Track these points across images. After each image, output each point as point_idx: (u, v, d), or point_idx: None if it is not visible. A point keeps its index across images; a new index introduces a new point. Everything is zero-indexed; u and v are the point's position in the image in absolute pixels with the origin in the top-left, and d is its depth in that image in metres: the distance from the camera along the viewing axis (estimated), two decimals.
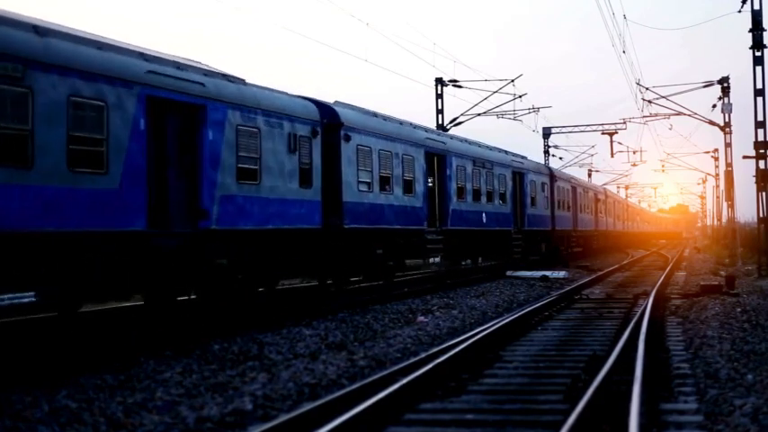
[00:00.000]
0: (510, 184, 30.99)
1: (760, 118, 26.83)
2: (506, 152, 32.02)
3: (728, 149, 41.11)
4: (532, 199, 33.93)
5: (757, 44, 26.68)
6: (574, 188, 43.35)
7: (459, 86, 37.15)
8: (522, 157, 34.05)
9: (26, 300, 14.78)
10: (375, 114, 21.45)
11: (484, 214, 27.88)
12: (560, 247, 39.50)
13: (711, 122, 40.45)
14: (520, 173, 32.49)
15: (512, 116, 41.79)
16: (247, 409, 8.05)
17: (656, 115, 43.30)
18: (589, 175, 66.02)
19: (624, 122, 50.74)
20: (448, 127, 37.28)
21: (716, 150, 63.71)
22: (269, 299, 16.83)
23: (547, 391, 8.78)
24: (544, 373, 9.84)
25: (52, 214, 11.04)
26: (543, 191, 35.97)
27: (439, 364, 9.38)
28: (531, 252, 34.24)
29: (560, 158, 56.58)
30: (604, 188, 60.05)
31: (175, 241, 13.51)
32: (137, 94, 12.66)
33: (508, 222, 30.78)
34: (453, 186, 25.31)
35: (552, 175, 38.35)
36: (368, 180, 19.91)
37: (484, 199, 28.00)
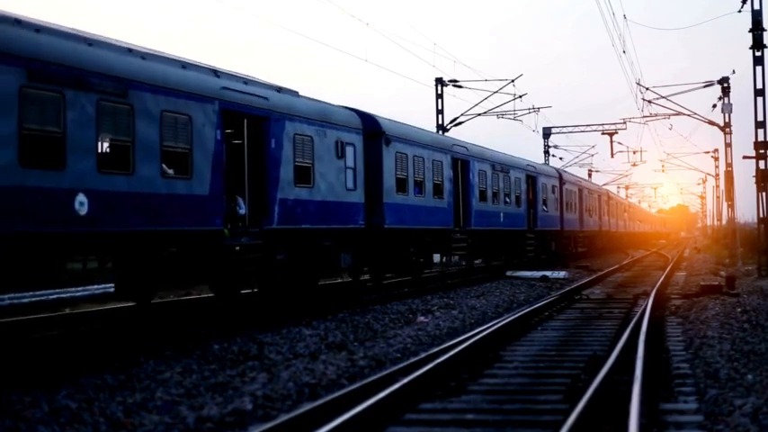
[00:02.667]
0: (524, 186, 32.99)
1: (760, 118, 26.83)
2: (521, 158, 34.32)
3: (728, 149, 41.12)
4: (544, 201, 35.90)
5: (757, 44, 26.68)
6: (580, 190, 44.68)
7: (460, 86, 37.14)
8: (536, 163, 36.67)
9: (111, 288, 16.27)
10: (406, 124, 23.36)
11: (502, 214, 29.74)
12: (568, 246, 41.14)
13: (711, 122, 40.44)
14: (533, 176, 34.51)
15: (512, 116, 41.80)
16: (247, 409, 8.05)
17: (656, 115, 43.32)
18: (589, 175, 65.98)
19: (624, 122, 50.79)
20: (448, 127, 37.27)
21: (716, 150, 63.78)
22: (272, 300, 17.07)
23: (547, 391, 8.78)
24: (544, 374, 9.84)
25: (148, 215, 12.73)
26: (553, 193, 37.84)
27: (439, 364, 9.38)
28: (542, 251, 35.83)
29: (560, 159, 56.65)
30: (607, 190, 60.59)
31: (246, 239, 15.02)
32: (215, 109, 14.25)
33: (522, 222, 32.71)
34: (476, 189, 27.21)
35: (561, 178, 39.91)
36: (404, 183, 21.75)
37: (502, 200, 29.96)
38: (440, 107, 37.53)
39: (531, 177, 34.38)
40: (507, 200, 30.65)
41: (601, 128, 52.43)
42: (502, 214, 29.83)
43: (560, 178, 39.79)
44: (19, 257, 10.73)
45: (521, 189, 32.53)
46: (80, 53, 11.60)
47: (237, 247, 14.73)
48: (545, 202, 36.20)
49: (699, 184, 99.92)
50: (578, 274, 31.34)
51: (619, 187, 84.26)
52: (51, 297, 19.10)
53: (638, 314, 14.54)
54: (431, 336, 13.56)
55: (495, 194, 29.22)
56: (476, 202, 27.20)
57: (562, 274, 29.47)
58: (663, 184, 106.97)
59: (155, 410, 8.13)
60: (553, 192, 37.83)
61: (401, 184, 21.48)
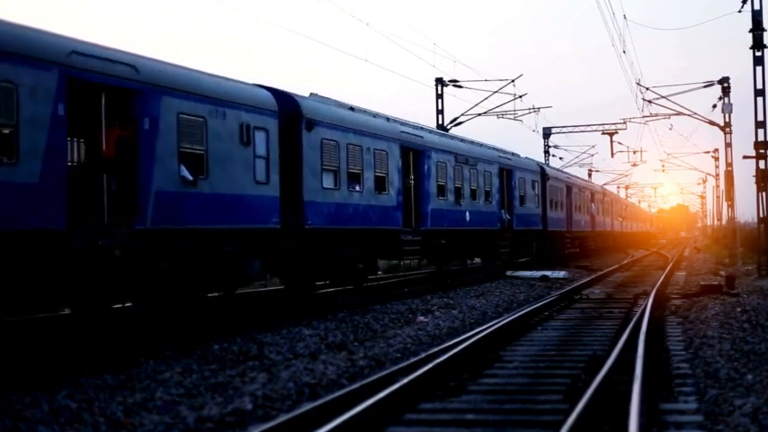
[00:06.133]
0: (496, 181, 29.15)
1: (760, 118, 26.82)
2: (494, 148, 30.39)
3: (728, 149, 41.12)
4: (521, 197, 32.08)
5: (757, 44, 26.68)
6: (569, 187, 41.60)
7: (460, 86, 37.15)
8: (512, 154, 32.46)
9: None
10: (352, 108, 20.06)
11: (467, 213, 26.11)
12: (553, 248, 37.54)
13: (711, 122, 40.44)
14: (507, 170, 30.59)
15: (512, 116, 41.81)
16: (247, 408, 8.05)
17: (656, 115, 43.29)
18: (589, 175, 66.01)
19: (624, 122, 50.79)
20: (448, 127, 37.26)
21: (716, 150, 63.71)
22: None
23: (547, 391, 8.79)
24: (544, 373, 9.84)
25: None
26: (534, 189, 33.99)
27: (439, 363, 9.38)
28: (520, 253, 32.89)
29: (560, 158, 56.65)
30: (602, 187, 58.51)
31: (108, 241, 13.86)
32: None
33: (495, 222, 28.92)
34: (433, 184, 23.63)
35: (544, 173, 36.27)
36: (334, 176, 18.25)
37: (467, 197, 26.22)
38: (440, 107, 37.55)
39: (506, 171, 30.40)
40: (475, 196, 26.93)
41: (601, 128, 52.47)
42: (467, 213, 26.11)
43: (542, 173, 36.09)
44: None
45: (492, 184, 28.63)
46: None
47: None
48: (523, 200, 32.28)
49: (699, 183, 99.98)
50: (578, 273, 31.34)
51: (619, 187, 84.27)
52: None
53: (638, 314, 14.54)
54: (431, 336, 13.57)
55: (458, 190, 25.35)
56: (433, 198, 23.52)
57: (562, 273, 29.48)
58: (663, 184, 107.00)
59: (155, 410, 8.13)
60: (534, 188, 33.89)
61: (330, 177, 17.99)
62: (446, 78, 37.11)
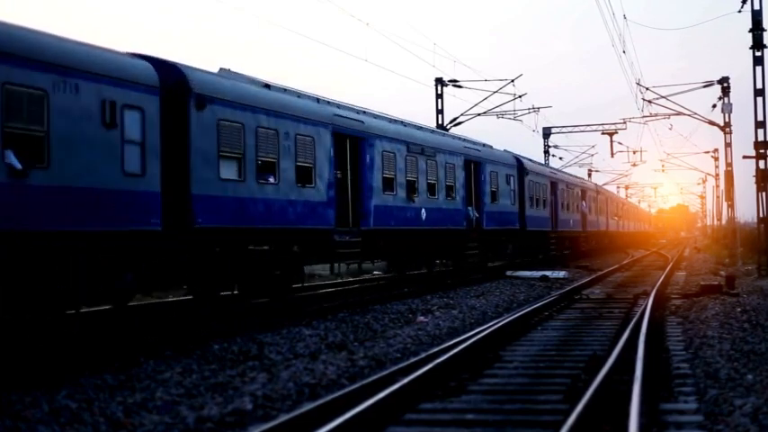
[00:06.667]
0: (462, 175, 25.69)
1: (760, 118, 26.83)
2: (460, 138, 27.48)
3: (728, 149, 41.10)
4: (493, 193, 28.67)
5: (757, 44, 26.69)
6: (554, 183, 38.47)
7: (460, 86, 37.14)
8: (483, 145, 29.07)
9: None
10: (268, 86, 16.92)
11: (423, 211, 22.86)
12: (534, 249, 34.95)
13: (711, 122, 40.44)
14: (475, 162, 27.14)
15: (512, 116, 41.80)
16: (247, 408, 8.05)
17: (656, 115, 43.29)
18: (589, 175, 65.97)
19: (624, 122, 50.79)
20: (448, 127, 37.27)
21: (716, 150, 63.67)
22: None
23: (547, 391, 8.78)
24: (544, 373, 9.84)
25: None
26: (509, 184, 30.63)
27: (439, 363, 9.38)
28: (493, 255, 30.04)
29: (560, 158, 56.63)
30: (596, 185, 55.65)
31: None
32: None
33: (460, 220, 25.50)
34: (377, 177, 20.43)
35: (522, 167, 32.70)
36: (237, 166, 15.12)
37: (423, 193, 22.90)
38: (440, 107, 37.54)
39: (474, 163, 27.04)
40: (433, 191, 23.56)
41: (601, 128, 52.46)
42: (423, 210, 22.84)
43: (520, 167, 32.44)
44: None
45: (456, 178, 25.27)
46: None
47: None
48: (495, 196, 28.86)
49: (699, 183, 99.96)
50: (578, 273, 31.35)
51: (618, 187, 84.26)
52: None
53: (638, 314, 14.54)
54: (431, 336, 13.56)
55: (411, 184, 22.15)
56: (377, 193, 20.35)
57: (562, 273, 29.50)
58: (663, 184, 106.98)
59: (155, 410, 8.13)
60: (509, 183, 30.58)
61: (231, 167, 14.90)
62: (446, 78, 37.13)
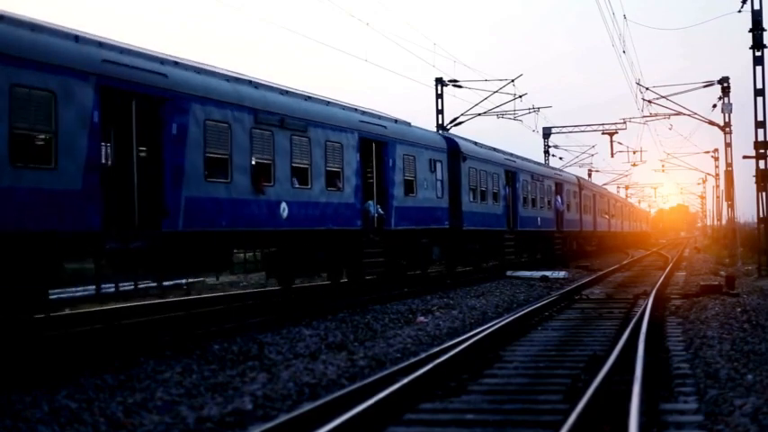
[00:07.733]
0: (355, 158, 19.67)
1: (760, 118, 26.84)
2: (353, 109, 20.64)
3: (728, 149, 41.13)
4: (408, 183, 22.51)
5: (757, 44, 26.70)
6: (511, 173, 32.16)
7: (460, 86, 37.15)
8: (395, 121, 22.88)
9: None
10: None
11: (283, 206, 16.67)
12: (476, 253, 28.84)
13: (711, 122, 40.46)
14: (378, 142, 21.08)
15: (512, 116, 41.81)
16: (247, 408, 8.05)
17: (656, 115, 43.32)
18: (589, 175, 65.97)
19: (624, 122, 50.83)
20: (448, 127, 37.27)
21: (716, 150, 63.73)
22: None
23: (547, 391, 8.78)
24: (544, 373, 9.84)
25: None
26: (434, 173, 24.28)
27: (439, 364, 9.38)
28: (409, 262, 23.67)
29: (560, 158, 56.61)
30: (580, 178, 48.48)
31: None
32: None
33: (351, 219, 19.52)
34: (196, 158, 14.19)
35: (456, 151, 26.20)
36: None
37: (284, 181, 16.73)
38: (440, 107, 37.54)
39: (377, 144, 21.13)
40: (305, 180, 17.57)
41: (601, 128, 52.51)
42: (284, 205, 16.63)
43: (454, 152, 26.01)
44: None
45: (345, 162, 19.30)
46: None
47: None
48: (412, 187, 22.77)
49: (699, 183, 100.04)
50: (578, 273, 31.37)
51: (618, 187, 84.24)
52: (52, 297, 19.01)
53: (638, 314, 14.54)
54: (431, 336, 13.56)
55: (261, 169, 15.97)
56: (193, 182, 14.04)
57: (562, 273, 29.53)
58: (663, 184, 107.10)
59: (155, 410, 8.13)
60: (434, 171, 24.38)
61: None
62: (446, 78, 37.14)
